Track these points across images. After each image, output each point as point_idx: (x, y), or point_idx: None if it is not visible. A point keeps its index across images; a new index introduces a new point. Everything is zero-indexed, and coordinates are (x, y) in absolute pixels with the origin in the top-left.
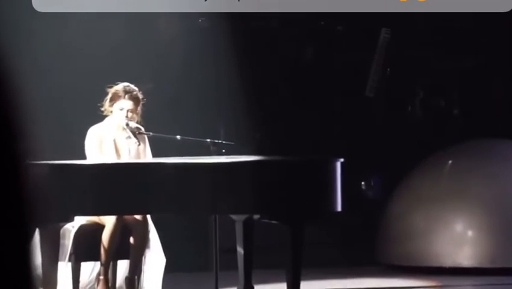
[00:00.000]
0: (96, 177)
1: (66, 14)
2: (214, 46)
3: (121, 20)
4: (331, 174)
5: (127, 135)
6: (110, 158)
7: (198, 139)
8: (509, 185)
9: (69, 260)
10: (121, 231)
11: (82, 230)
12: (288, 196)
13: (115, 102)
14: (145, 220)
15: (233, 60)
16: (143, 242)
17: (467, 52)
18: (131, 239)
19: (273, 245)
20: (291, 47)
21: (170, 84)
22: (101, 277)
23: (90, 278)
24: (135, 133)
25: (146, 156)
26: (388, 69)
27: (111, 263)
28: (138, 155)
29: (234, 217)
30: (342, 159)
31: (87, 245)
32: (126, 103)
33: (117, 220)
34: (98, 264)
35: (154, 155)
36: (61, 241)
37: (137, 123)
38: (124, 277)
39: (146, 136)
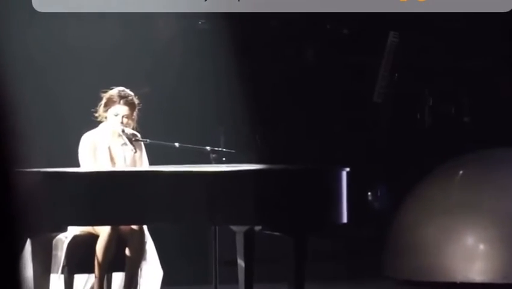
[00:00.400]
0: (90, 185)
1: (60, 15)
2: (214, 49)
3: (116, 21)
4: (336, 183)
5: (122, 142)
6: (105, 166)
7: (197, 146)
8: None
9: (62, 272)
10: (116, 242)
11: (75, 241)
12: (291, 206)
13: (109, 108)
14: (141, 231)
15: (234, 64)
16: (139, 254)
17: (476, 54)
18: (127, 251)
19: (275, 257)
20: (294, 50)
21: (167, 88)
22: None
23: None
24: (131, 140)
25: (143, 164)
26: (396, 74)
27: (106, 276)
28: (134, 163)
29: (234, 228)
30: (348, 168)
31: (80, 257)
32: (121, 109)
33: (112, 230)
34: (92, 276)
35: (151, 163)
36: (54, 252)
37: (132, 129)
38: None
39: (142, 143)
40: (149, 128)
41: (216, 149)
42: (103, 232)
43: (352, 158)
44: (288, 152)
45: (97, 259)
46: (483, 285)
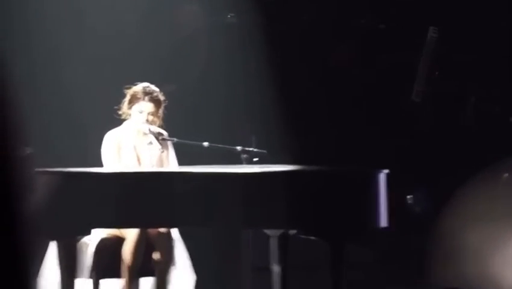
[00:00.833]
0: (116, 186)
1: (80, 6)
2: (244, 44)
3: (141, 14)
4: (375, 187)
5: (148, 141)
6: (130, 166)
7: (227, 146)
8: None
9: (90, 276)
10: (144, 245)
11: (102, 244)
12: (327, 210)
13: (134, 104)
14: (168, 234)
15: (265, 60)
16: (167, 259)
17: None
18: (154, 255)
19: (310, 263)
20: (328, 47)
21: (195, 85)
22: None
23: None
24: (158, 139)
25: (170, 164)
26: (436, 72)
27: (134, 281)
28: (161, 163)
29: (267, 231)
30: (387, 171)
31: (107, 261)
32: (146, 106)
33: (139, 233)
34: (120, 281)
35: (179, 163)
36: (80, 256)
37: (158, 127)
38: None
39: (169, 142)
40: (176, 127)
41: (247, 148)
42: (130, 235)
43: (391, 159)
44: (322, 153)
45: (125, 263)
46: None
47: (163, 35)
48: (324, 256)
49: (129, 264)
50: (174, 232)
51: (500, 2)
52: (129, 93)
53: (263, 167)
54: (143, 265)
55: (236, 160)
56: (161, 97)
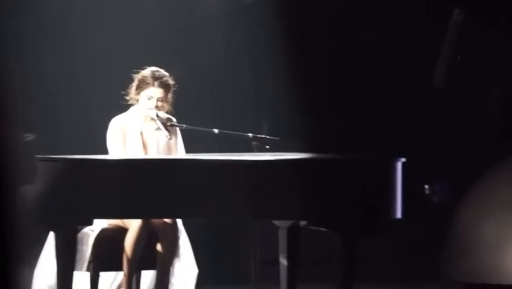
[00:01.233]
0: (119, 174)
1: None
2: (258, 28)
3: None
4: (391, 175)
5: (156, 127)
6: (136, 153)
7: (238, 133)
8: None
9: (88, 269)
10: (147, 237)
11: (103, 235)
12: (340, 200)
13: (142, 90)
14: (174, 225)
15: (281, 44)
16: (172, 251)
17: None
18: (158, 247)
19: (321, 256)
20: (347, 30)
21: (206, 70)
22: None
23: None
24: (166, 125)
25: (178, 151)
26: (459, 56)
27: (135, 273)
28: (169, 150)
29: (277, 222)
30: (404, 159)
31: (107, 253)
32: (156, 91)
33: (143, 224)
34: (120, 274)
35: (187, 151)
36: (79, 247)
37: (167, 112)
38: None
39: (178, 128)
40: (185, 113)
41: (259, 136)
42: (133, 225)
43: (408, 147)
44: (337, 141)
45: (126, 255)
46: None
47: (174, 18)
48: (335, 248)
49: (131, 256)
50: (179, 223)
51: None
52: (137, 77)
53: (275, 155)
54: (145, 257)
55: (247, 148)
56: (171, 82)
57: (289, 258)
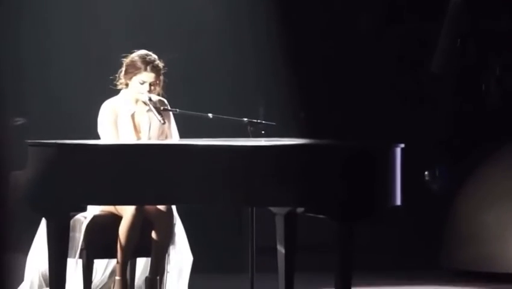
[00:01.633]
0: (113, 160)
1: None
2: (253, 7)
3: None
4: (389, 162)
5: (147, 109)
6: (128, 136)
7: (233, 118)
8: None
9: (80, 257)
10: (141, 224)
11: (95, 222)
12: (337, 186)
13: (134, 75)
14: (169, 212)
15: (276, 26)
16: (167, 238)
17: None
18: (153, 234)
19: (319, 243)
20: (343, 14)
21: (199, 53)
22: (117, 278)
23: (103, 277)
24: (159, 109)
25: (172, 136)
26: (459, 40)
27: (129, 261)
28: (162, 135)
29: (273, 209)
30: (402, 145)
31: (101, 240)
32: (148, 76)
33: (137, 210)
34: (113, 261)
35: (181, 136)
36: (71, 234)
37: (158, 95)
38: (144, 278)
39: (171, 113)
40: (178, 97)
41: (254, 120)
42: (127, 212)
43: (407, 133)
44: (335, 127)
45: (120, 243)
46: None
47: (165, 0)
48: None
49: (125, 244)
50: (174, 210)
51: None
52: (127, 62)
53: (271, 141)
54: (139, 245)
55: (242, 133)
56: (161, 64)
57: (286, 246)
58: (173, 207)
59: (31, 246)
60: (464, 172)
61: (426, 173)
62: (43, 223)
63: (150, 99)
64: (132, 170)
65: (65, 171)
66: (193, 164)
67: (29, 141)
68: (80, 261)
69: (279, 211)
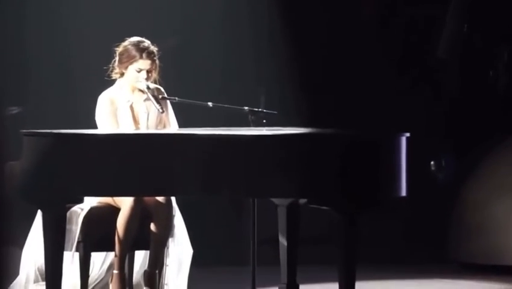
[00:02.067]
0: (111, 150)
1: None
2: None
3: None
4: (394, 151)
5: (145, 97)
6: (127, 127)
7: (234, 106)
8: None
9: (77, 250)
10: (140, 216)
11: (93, 214)
12: (341, 176)
13: (130, 64)
14: (168, 203)
15: (278, 12)
16: (166, 230)
17: None
18: (152, 226)
19: (323, 236)
20: (347, 2)
21: (199, 40)
22: (115, 271)
23: (101, 271)
24: (157, 97)
25: (171, 125)
26: (466, 25)
27: (127, 254)
28: (160, 124)
29: (275, 201)
30: (408, 134)
31: (98, 233)
32: (145, 63)
33: (135, 202)
34: (111, 254)
35: (180, 125)
36: (68, 227)
37: (155, 83)
38: (142, 272)
39: (168, 101)
40: (178, 85)
41: (256, 109)
42: (125, 204)
43: (412, 122)
44: (339, 115)
45: (118, 236)
46: None
47: None
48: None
49: (123, 236)
50: (173, 201)
51: None
52: (120, 51)
53: (273, 130)
54: (138, 237)
55: (243, 122)
56: (155, 49)
57: (289, 238)
58: (173, 198)
59: (27, 239)
60: (471, 162)
61: (431, 163)
62: (39, 215)
63: (148, 87)
64: (130, 160)
65: (61, 162)
66: (192, 153)
67: (24, 130)
68: (77, 254)
69: (281, 202)
